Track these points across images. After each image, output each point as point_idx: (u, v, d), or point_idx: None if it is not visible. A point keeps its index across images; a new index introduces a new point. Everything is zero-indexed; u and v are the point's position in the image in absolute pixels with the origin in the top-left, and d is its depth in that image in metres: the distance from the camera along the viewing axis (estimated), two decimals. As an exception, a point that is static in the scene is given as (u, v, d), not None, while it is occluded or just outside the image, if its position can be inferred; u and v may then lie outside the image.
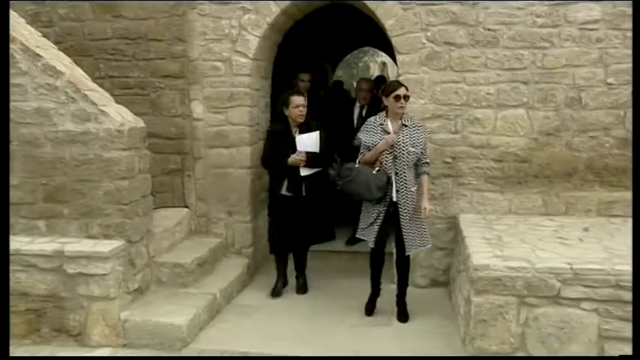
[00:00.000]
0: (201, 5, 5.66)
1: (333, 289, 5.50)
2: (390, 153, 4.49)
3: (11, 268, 4.38)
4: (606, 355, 3.78)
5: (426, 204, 4.50)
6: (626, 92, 5.10)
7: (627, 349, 3.72)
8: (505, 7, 5.19)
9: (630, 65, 5.05)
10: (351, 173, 4.55)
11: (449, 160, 5.39)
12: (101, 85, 5.04)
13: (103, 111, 4.57)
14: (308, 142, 5.06)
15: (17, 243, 4.52)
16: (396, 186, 4.48)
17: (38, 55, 4.62)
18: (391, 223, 4.57)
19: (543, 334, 3.84)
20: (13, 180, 4.68)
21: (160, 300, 4.77)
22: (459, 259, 4.77)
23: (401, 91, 4.50)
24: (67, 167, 4.64)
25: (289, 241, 5.29)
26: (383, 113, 4.65)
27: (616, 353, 3.76)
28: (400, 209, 4.51)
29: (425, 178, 4.61)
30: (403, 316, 4.77)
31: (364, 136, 4.61)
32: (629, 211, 5.18)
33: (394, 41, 5.39)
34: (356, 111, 6.61)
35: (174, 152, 5.88)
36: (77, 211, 4.67)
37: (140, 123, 4.86)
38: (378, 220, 4.56)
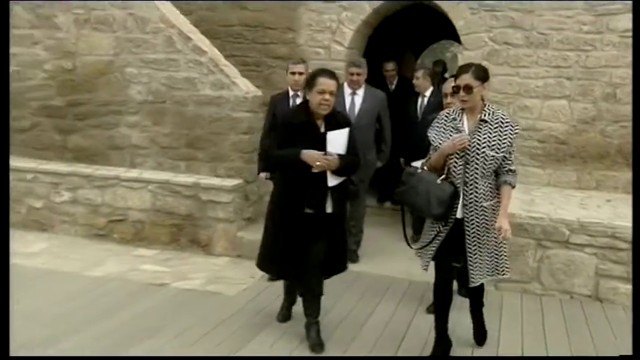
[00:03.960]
0: (309, 3, 7.11)
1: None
2: (461, 157, 3.55)
3: (162, 192, 6.04)
4: (600, 287, 4.96)
5: (503, 222, 3.51)
6: (653, 91, 6.12)
7: (616, 284, 4.91)
8: (557, 15, 6.32)
9: (659, 69, 6.07)
10: (411, 180, 3.66)
11: (501, 138, 6.59)
12: (226, 63, 6.58)
13: (234, 82, 6.12)
14: (339, 141, 3.82)
15: (166, 175, 6.15)
16: (464, 199, 3.58)
17: (189, 37, 6.22)
18: (457, 248, 3.68)
19: (553, 269, 5.06)
20: (165, 130, 6.34)
21: (265, 227, 6.28)
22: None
23: (461, 81, 3.55)
24: (204, 122, 6.24)
25: (299, 270, 3.93)
26: (459, 105, 3.68)
27: (608, 287, 4.94)
28: (466, 228, 3.61)
29: (506, 190, 3.59)
30: (480, 336, 4.05)
31: (433, 134, 3.69)
32: (650, 190, 6.23)
33: (462, 39, 6.64)
34: (419, 101, 6.26)
35: (279, 119, 7.39)
36: (209, 156, 6.26)
37: (259, 93, 6.37)
38: (438, 240, 3.67)
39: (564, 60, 6.33)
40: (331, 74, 3.85)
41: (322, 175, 3.77)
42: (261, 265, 4.19)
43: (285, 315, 4.38)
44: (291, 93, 5.47)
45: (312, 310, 4.00)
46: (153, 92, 6.32)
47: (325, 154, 3.74)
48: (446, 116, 3.69)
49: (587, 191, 6.34)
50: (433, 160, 3.64)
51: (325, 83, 3.74)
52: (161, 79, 6.28)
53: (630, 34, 6.13)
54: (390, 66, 7.40)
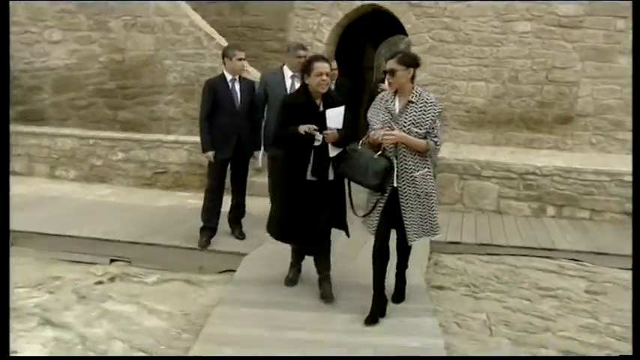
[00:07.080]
0: (296, 9, 9.45)
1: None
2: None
3: (194, 150, 8.24)
4: (500, 204, 7.48)
5: (396, 132, 3.97)
6: (542, 74, 8.71)
7: (510, 202, 7.44)
8: (476, 21, 8.83)
9: (545, 59, 8.66)
10: (353, 155, 4.11)
11: (438, 110, 9.08)
12: (238, 56, 8.84)
13: (246, 70, 8.38)
14: (335, 117, 4.32)
15: (196, 138, 8.30)
16: (397, 170, 4.07)
17: (212, 37, 8.48)
18: (394, 213, 4.14)
19: (471, 194, 7.55)
20: (194, 105, 8.56)
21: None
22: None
23: (387, 65, 4.07)
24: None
25: (310, 230, 4.43)
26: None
27: (505, 204, 7.47)
28: (400, 195, 4.09)
29: (425, 141, 4.03)
30: (399, 296, 4.45)
31: (370, 115, 4.19)
32: (543, 144, 8.83)
33: (410, 37, 9.10)
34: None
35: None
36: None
37: (263, 78, 8.66)
38: (378, 209, 4.15)
39: (482, 53, 8.86)
40: (324, 59, 4.44)
41: (324, 147, 4.30)
42: (271, 230, 4.70)
43: (292, 279, 4.78)
44: (229, 77, 5.71)
45: (323, 266, 4.57)
46: (185, 77, 8.57)
47: (325, 129, 4.25)
48: (381, 98, 4.23)
49: (499, 146, 8.90)
50: (371, 139, 4.07)
51: (321, 66, 4.28)
52: (191, 68, 8.53)
53: (526, 35, 8.70)
54: (332, 65, 6.12)
